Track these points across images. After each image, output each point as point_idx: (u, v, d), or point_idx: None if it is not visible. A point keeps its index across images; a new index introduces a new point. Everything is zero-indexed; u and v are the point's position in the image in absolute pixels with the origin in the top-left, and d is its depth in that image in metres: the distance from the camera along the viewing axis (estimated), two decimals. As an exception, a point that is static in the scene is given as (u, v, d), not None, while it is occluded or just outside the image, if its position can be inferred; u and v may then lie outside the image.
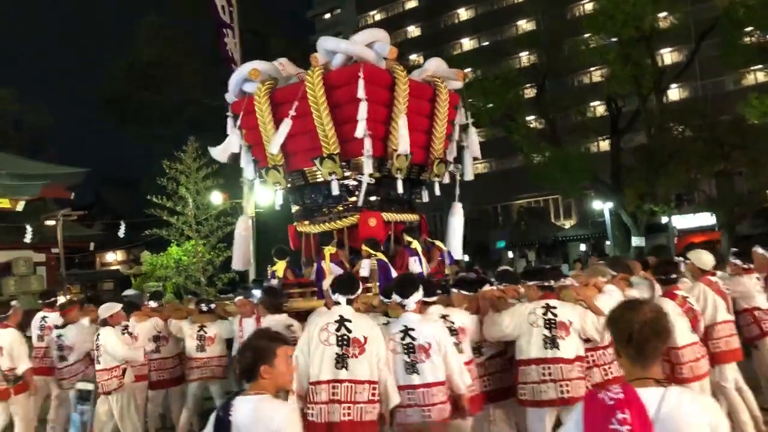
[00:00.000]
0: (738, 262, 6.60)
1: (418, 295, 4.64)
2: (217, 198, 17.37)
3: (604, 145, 27.17)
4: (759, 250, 7.21)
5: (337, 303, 4.58)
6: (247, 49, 13.99)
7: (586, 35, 21.56)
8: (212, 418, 2.90)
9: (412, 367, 4.42)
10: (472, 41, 46.46)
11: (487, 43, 44.24)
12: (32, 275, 20.40)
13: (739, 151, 20.98)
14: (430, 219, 8.73)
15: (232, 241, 8.63)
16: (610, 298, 4.89)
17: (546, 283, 4.83)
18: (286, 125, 6.61)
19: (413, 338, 4.43)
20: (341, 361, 4.35)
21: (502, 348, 5.14)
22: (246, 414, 2.78)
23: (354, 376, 4.34)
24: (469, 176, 7.97)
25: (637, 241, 21.26)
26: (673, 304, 5.19)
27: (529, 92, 26.26)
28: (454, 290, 5.40)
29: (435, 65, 7.70)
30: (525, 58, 38.69)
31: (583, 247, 30.68)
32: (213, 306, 7.12)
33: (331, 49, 6.97)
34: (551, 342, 4.59)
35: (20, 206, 16.43)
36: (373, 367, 4.37)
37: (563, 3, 37.65)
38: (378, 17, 52.74)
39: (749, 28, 17.48)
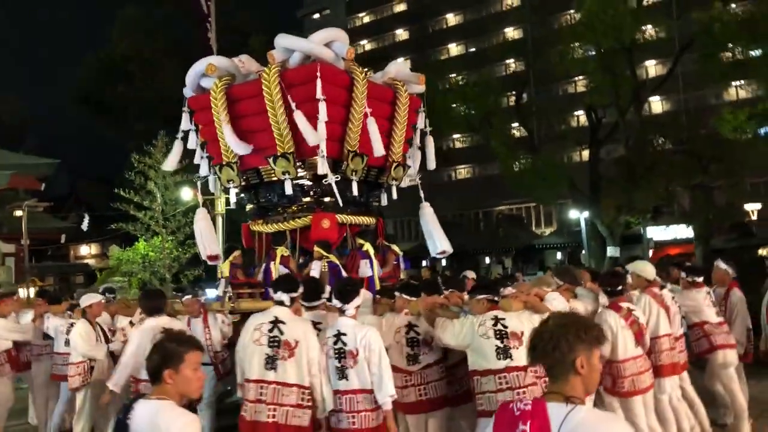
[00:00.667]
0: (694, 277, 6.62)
1: (359, 300, 4.58)
2: (186, 194, 17.16)
3: (587, 154, 27.27)
4: (721, 265, 7.26)
5: (280, 302, 4.52)
6: (227, 47, 13.78)
7: (573, 44, 21.61)
8: (113, 421, 2.80)
9: (341, 372, 4.36)
10: (459, 47, 46.63)
11: (473, 49, 44.35)
12: (0, 266, 20.09)
13: (716, 165, 21.09)
14: (408, 223, 8.65)
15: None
16: (551, 306, 4.82)
17: (495, 297, 4.75)
18: (301, 118, 6.40)
19: (344, 343, 4.36)
20: (270, 362, 4.36)
21: (440, 356, 5.06)
22: (143, 419, 2.66)
23: (281, 378, 4.33)
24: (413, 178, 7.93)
25: (612, 251, 21.25)
26: (617, 316, 5.14)
27: (513, 100, 26.28)
28: (398, 294, 5.31)
29: (396, 68, 7.61)
30: (511, 65, 38.83)
31: (559, 255, 30.75)
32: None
33: (288, 47, 6.85)
34: (504, 352, 4.51)
35: (-13, 196, 16.16)
36: (303, 371, 4.33)
37: (550, 12, 37.74)
38: (367, 19, 52.77)
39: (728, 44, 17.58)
